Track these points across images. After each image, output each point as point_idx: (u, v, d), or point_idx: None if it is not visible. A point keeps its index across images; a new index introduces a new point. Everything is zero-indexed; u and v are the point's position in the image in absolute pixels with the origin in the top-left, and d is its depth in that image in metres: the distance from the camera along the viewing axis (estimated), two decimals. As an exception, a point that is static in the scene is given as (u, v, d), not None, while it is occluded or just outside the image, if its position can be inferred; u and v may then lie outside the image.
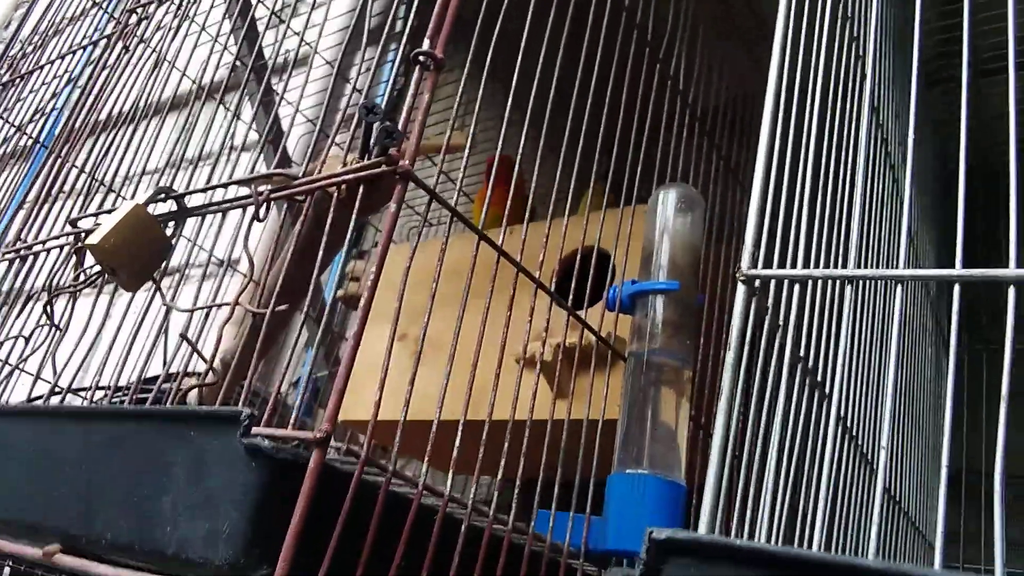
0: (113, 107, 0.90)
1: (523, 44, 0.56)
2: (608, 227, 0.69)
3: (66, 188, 0.87)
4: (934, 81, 1.07)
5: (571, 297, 0.63)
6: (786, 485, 0.41)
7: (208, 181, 0.58)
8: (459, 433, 0.47)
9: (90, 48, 0.92)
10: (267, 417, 0.40)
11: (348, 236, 0.44)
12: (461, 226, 0.50)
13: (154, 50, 0.87)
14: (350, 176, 0.44)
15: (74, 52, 0.93)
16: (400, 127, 0.44)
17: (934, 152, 1.03)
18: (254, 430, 0.37)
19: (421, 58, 0.45)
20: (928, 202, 0.95)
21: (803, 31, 0.49)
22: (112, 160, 0.88)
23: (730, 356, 0.37)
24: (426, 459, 0.43)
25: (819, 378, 0.46)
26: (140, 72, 0.89)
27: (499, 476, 0.49)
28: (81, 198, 0.85)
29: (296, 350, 0.53)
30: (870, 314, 0.59)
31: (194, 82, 0.93)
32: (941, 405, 0.98)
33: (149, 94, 0.88)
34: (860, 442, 0.57)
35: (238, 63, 1.21)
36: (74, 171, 0.89)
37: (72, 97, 0.90)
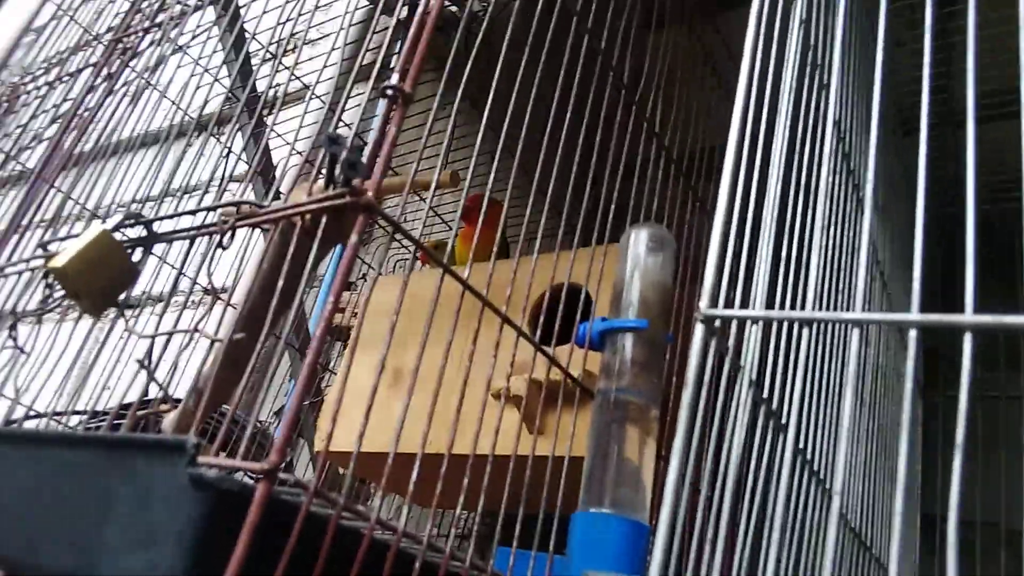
0: (100, 135, 0.90)
1: (494, 82, 0.57)
2: (584, 265, 0.69)
3: (49, 213, 0.87)
4: (911, 129, 1.08)
5: (549, 334, 0.63)
6: (747, 524, 0.41)
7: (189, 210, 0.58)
8: (416, 466, 0.46)
9: (78, 77, 0.92)
10: (217, 447, 0.40)
11: (308, 265, 0.44)
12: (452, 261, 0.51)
13: (140, 78, 0.88)
14: (313, 206, 0.44)
15: (62, 80, 0.94)
16: (366, 159, 0.44)
17: (910, 202, 1.03)
18: (200, 459, 0.36)
19: (389, 92, 0.45)
20: (906, 251, 0.96)
21: (771, 67, 0.50)
22: (94, 187, 0.89)
23: (686, 395, 0.37)
24: (379, 492, 0.43)
25: (783, 420, 0.46)
26: (127, 101, 0.89)
27: (459, 508, 0.48)
28: (63, 223, 0.85)
29: (274, 380, 0.52)
30: (838, 357, 0.59)
31: (182, 111, 0.94)
32: (916, 448, 0.97)
33: (136, 123, 0.89)
34: (827, 485, 0.56)
35: (230, 95, 1.22)
36: (58, 196, 0.89)
37: (56, 125, 0.91)
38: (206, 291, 0.52)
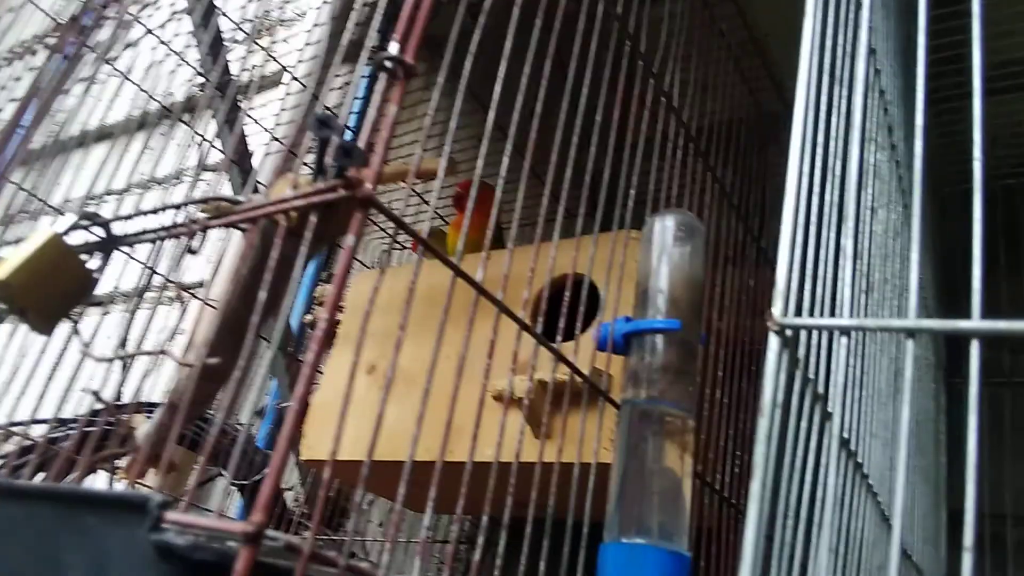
0: (61, 124, 0.82)
1: (506, 60, 0.49)
2: (591, 253, 0.62)
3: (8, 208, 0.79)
4: (930, 101, 1.02)
5: (555, 330, 0.57)
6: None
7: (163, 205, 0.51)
8: (436, 476, 0.40)
9: (28, 56, 0.84)
10: (191, 493, 0.33)
11: (296, 270, 0.37)
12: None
13: (103, 60, 0.80)
14: (300, 202, 0.37)
15: (10, 61, 0.85)
16: (362, 144, 0.37)
17: (930, 173, 0.98)
18: (168, 517, 0.30)
19: (388, 64, 0.38)
20: (927, 226, 0.90)
21: (827, 61, 0.43)
22: (55, 180, 0.81)
23: (763, 423, 0.30)
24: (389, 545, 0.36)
25: (853, 447, 0.40)
26: (88, 86, 0.81)
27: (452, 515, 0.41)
28: (20, 220, 0.77)
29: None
30: (879, 361, 0.53)
31: (147, 93, 0.86)
32: (941, 440, 0.92)
33: (101, 110, 0.81)
34: (879, 498, 0.50)
35: (202, 79, 1.14)
36: (15, 190, 0.82)
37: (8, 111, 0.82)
38: (176, 298, 0.45)
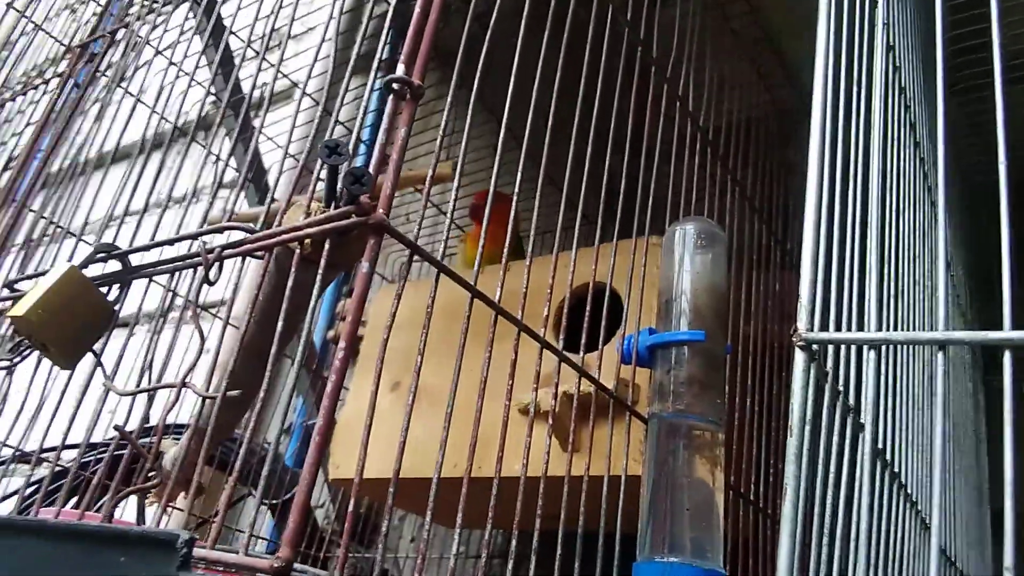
0: (76, 149, 0.83)
1: (515, 66, 0.49)
2: (613, 262, 0.61)
3: (22, 237, 0.80)
4: (952, 92, 1.00)
5: (578, 339, 0.56)
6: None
7: (180, 227, 0.51)
8: (463, 493, 0.39)
9: (43, 86, 0.84)
10: (215, 532, 0.33)
11: (314, 297, 0.36)
12: (455, 262, 0.44)
13: (115, 84, 0.80)
14: (314, 229, 0.37)
15: (24, 92, 0.86)
16: (372, 169, 0.36)
17: (955, 163, 0.96)
18: (197, 553, 0.29)
19: (396, 86, 0.38)
20: (956, 220, 0.88)
21: (843, 60, 0.42)
22: (74, 204, 0.81)
23: (792, 443, 0.29)
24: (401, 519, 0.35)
25: (889, 457, 0.39)
26: (100, 110, 0.82)
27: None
28: (41, 246, 0.77)
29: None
30: (915, 370, 0.52)
31: (159, 115, 0.87)
32: (981, 440, 0.90)
33: (114, 133, 0.82)
34: (919, 507, 0.49)
35: (214, 98, 1.14)
36: (34, 216, 0.82)
37: (24, 138, 0.83)
38: (194, 321, 0.45)
